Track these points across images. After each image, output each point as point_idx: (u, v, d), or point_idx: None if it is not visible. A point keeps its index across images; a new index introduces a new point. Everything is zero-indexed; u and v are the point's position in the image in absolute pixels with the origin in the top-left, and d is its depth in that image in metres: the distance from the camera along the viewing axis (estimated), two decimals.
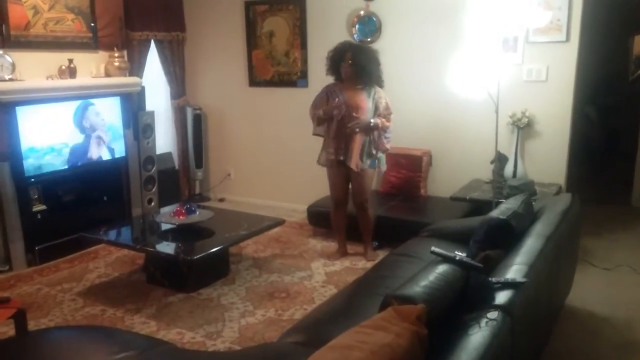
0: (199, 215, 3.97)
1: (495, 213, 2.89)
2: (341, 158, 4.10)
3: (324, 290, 3.82)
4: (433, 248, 2.15)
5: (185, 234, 3.87)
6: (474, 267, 2.12)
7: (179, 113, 6.04)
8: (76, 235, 4.03)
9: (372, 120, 4.02)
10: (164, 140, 6.00)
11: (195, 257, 3.49)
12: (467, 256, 3.01)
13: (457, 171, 4.90)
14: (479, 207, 4.26)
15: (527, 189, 4.15)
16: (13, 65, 4.09)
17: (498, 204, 3.98)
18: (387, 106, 4.11)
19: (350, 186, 4.25)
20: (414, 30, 4.92)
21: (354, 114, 4.00)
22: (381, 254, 4.36)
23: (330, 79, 4.21)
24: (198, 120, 6.03)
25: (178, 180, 6.03)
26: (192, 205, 4.03)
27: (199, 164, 6.12)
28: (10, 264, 4.21)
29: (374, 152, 4.10)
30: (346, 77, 4.05)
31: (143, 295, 3.76)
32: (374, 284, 2.88)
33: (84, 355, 2.37)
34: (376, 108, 4.06)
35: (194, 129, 6.02)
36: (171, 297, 3.73)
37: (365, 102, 4.02)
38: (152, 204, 5.43)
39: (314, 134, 4.29)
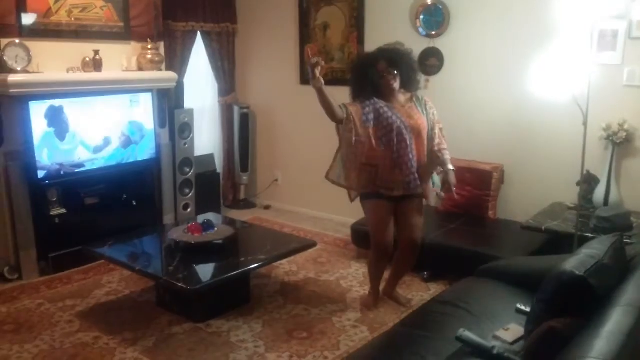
0: (216, 233, 3.43)
1: (570, 265, 2.11)
2: (395, 193, 3.16)
3: (354, 332, 3.17)
4: (460, 332, 1.45)
5: (198, 253, 3.32)
6: None
7: (226, 112, 5.57)
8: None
9: (450, 171, 3.21)
10: (208, 140, 5.56)
11: (197, 287, 2.95)
12: (527, 318, 2.30)
13: (534, 192, 4.08)
14: (559, 239, 3.47)
15: (621, 222, 3.30)
16: (29, 56, 3.72)
17: (582, 238, 3.19)
18: (438, 118, 3.30)
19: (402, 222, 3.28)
20: (487, 22, 4.14)
21: (412, 143, 3.15)
22: (432, 288, 3.68)
23: None
24: (245, 119, 5.53)
25: (219, 185, 5.55)
26: (210, 220, 3.51)
27: (244, 167, 5.62)
28: (20, 273, 3.87)
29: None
30: (389, 91, 3.17)
31: (146, 322, 3.27)
32: (407, 347, 2.22)
33: None
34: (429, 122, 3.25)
35: (241, 129, 5.52)
36: (176, 327, 3.22)
37: (425, 122, 3.21)
38: (189, 209, 5.00)
39: (331, 180, 3.40)
